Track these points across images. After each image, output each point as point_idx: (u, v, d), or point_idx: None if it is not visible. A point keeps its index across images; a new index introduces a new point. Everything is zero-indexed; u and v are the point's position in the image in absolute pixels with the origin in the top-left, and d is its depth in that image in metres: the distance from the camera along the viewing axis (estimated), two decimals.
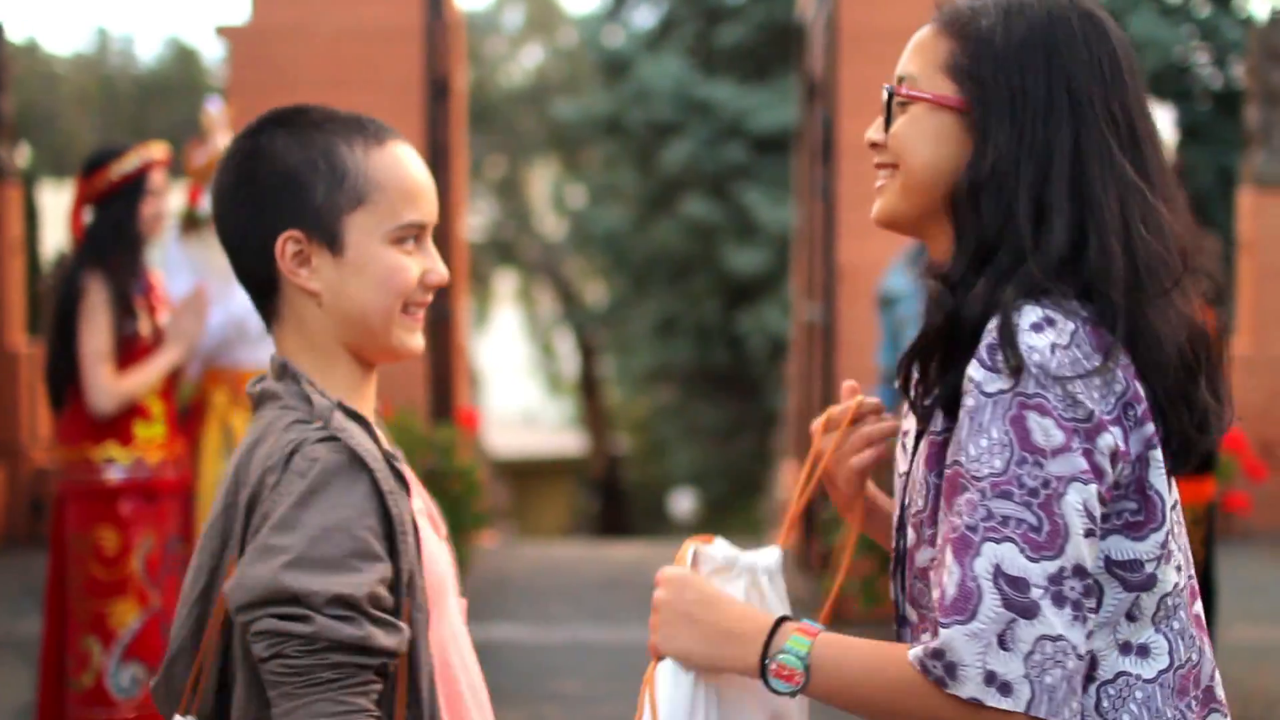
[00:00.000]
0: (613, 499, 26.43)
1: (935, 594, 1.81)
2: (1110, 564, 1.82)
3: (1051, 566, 1.73)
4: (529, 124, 29.77)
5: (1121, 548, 1.82)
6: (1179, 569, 1.87)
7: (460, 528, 7.38)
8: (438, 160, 8.16)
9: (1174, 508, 1.87)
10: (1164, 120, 5.25)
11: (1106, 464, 1.77)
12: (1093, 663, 1.81)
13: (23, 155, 11.01)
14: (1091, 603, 1.77)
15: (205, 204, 5.87)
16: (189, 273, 5.69)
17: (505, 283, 31.83)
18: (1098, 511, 1.76)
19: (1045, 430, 1.74)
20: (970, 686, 1.73)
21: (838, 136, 7.96)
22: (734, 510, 23.72)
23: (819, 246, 8.29)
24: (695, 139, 19.22)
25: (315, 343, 2.02)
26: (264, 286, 2.01)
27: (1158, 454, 1.83)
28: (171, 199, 5.46)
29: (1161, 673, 1.86)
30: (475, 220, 28.46)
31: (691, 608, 1.92)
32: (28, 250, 11.92)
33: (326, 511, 1.85)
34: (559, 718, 6.50)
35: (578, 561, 9.81)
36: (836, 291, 7.99)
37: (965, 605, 1.74)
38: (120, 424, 5.11)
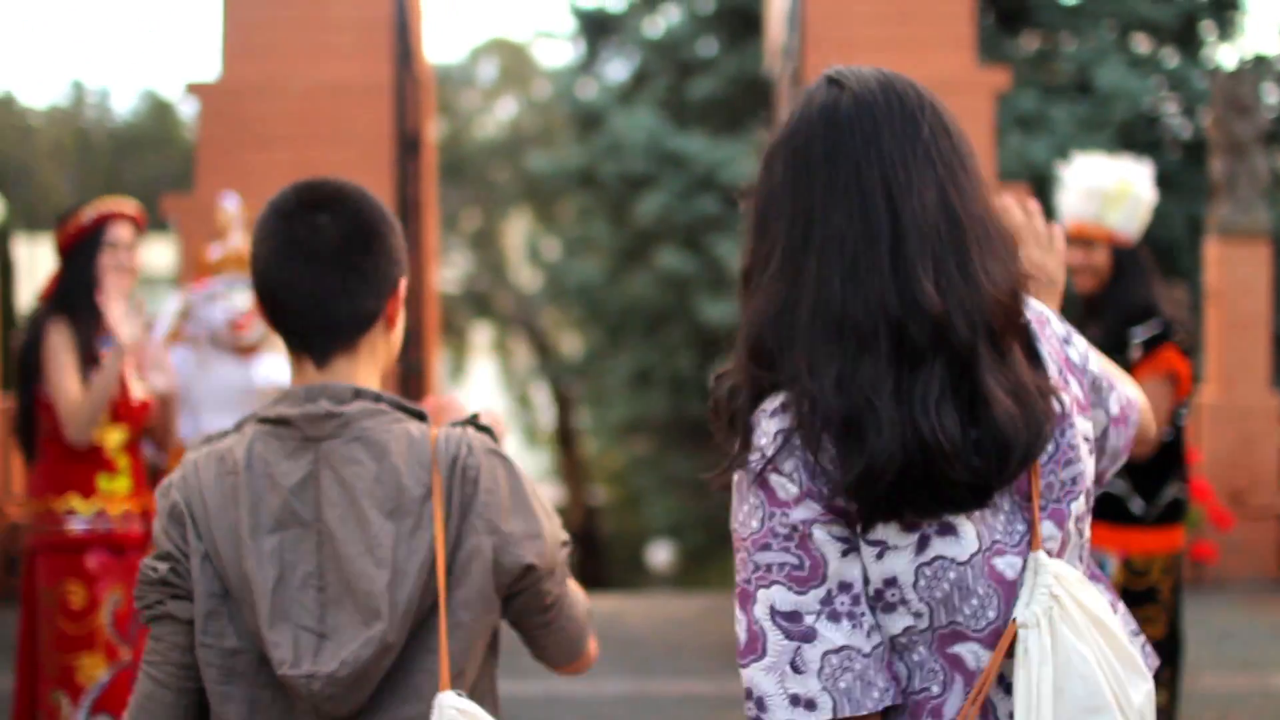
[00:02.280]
0: (590, 550, 26.38)
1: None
2: (774, 613, 1.99)
3: (820, 592, 1.97)
4: (503, 176, 29.86)
5: (785, 599, 1.98)
6: (919, 616, 2.01)
7: None
8: (407, 214, 8.20)
9: (921, 563, 2.00)
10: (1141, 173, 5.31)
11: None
12: (760, 705, 1.98)
13: None
14: (862, 608, 1.98)
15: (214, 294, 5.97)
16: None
17: (481, 334, 31.86)
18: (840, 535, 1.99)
19: (784, 487, 1.98)
20: (780, 713, 1.95)
21: None
22: (711, 561, 23.69)
23: None
24: (668, 191, 19.29)
25: (380, 369, 2.51)
26: (363, 324, 2.44)
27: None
28: (151, 252, 5.49)
29: None
30: (450, 272, 28.53)
31: None
32: (2, 304, 11.93)
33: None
34: None
35: None
36: None
37: (755, 646, 1.97)
38: (83, 476, 5.11)
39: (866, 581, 1.98)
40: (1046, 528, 2.06)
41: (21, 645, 5.22)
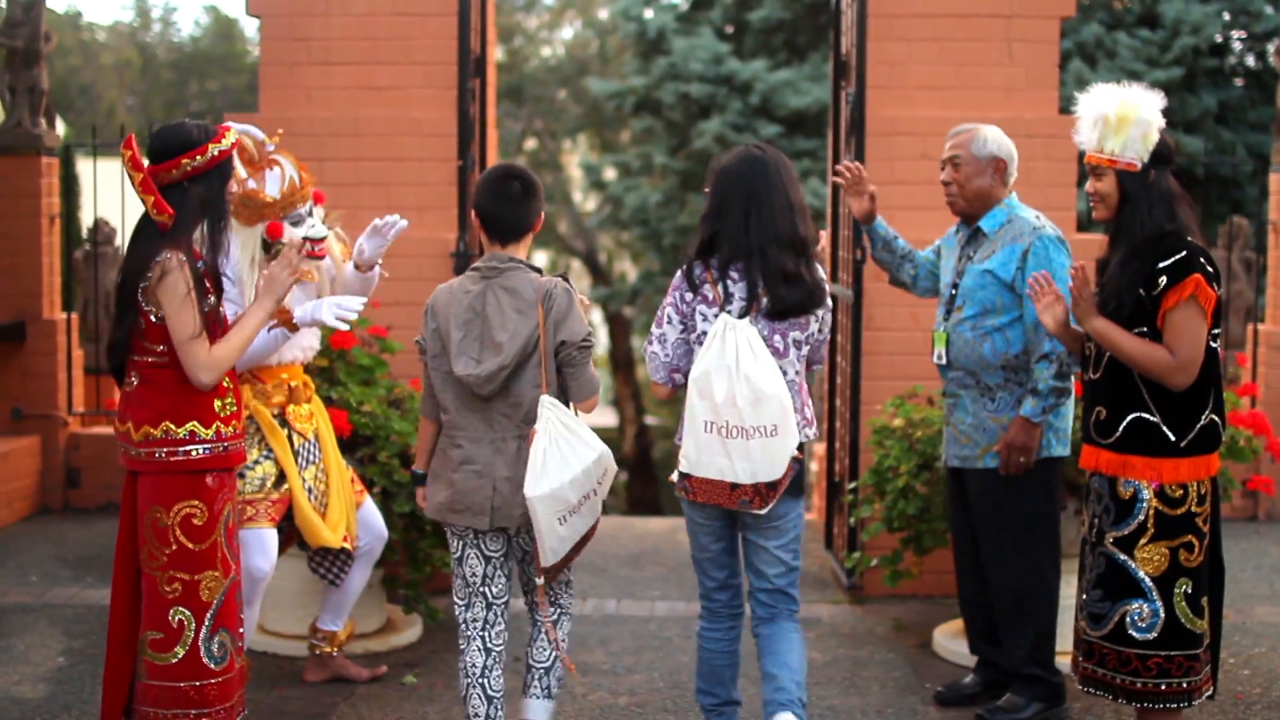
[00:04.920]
0: (643, 474, 26.51)
1: None
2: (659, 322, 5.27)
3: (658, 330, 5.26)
4: (564, 101, 29.79)
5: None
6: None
7: None
8: (471, 137, 8.19)
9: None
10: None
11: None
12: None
13: (59, 128, 11.05)
14: (666, 348, 5.23)
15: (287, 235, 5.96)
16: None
17: (538, 259, 31.89)
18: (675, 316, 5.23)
19: (680, 287, 5.24)
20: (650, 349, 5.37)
21: (866, 115, 7.96)
22: None
23: (848, 224, 8.31)
24: (728, 116, 19.23)
25: (529, 250, 5.21)
26: (524, 231, 5.19)
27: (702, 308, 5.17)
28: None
29: None
30: None
31: None
32: (64, 221, 12.02)
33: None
34: (585, 689, 6.56)
35: (604, 535, 9.82)
36: (864, 268, 8.01)
37: (658, 323, 5.33)
38: (203, 402, 5.07)
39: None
40: (777, 338, 5.03)
41: (120, 565, 5.17)
